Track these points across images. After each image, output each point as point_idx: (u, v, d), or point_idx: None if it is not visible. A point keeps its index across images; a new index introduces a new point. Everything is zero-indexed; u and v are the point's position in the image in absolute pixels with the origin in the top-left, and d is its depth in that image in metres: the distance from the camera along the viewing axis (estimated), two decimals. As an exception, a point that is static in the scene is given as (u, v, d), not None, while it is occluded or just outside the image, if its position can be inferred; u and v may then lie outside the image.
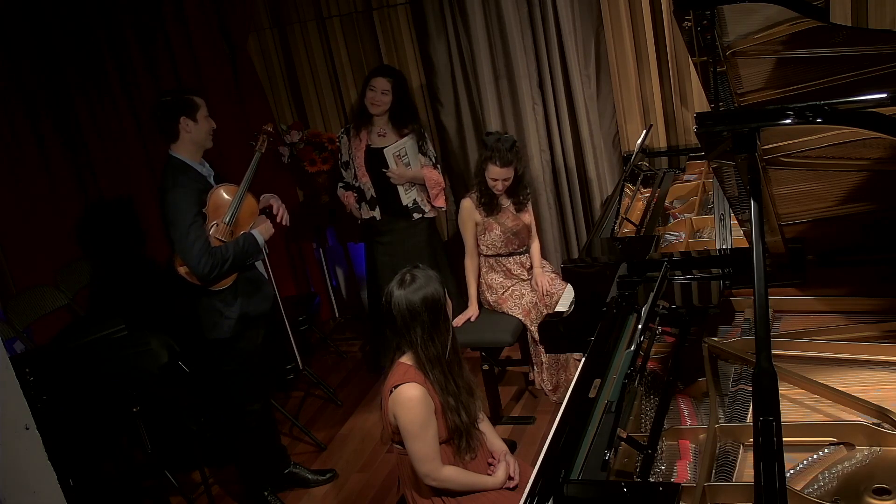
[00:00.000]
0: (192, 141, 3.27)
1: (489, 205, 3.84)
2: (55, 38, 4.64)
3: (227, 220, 3.26)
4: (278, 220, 3.49)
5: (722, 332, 2.48)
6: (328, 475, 3.84)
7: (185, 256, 3.17)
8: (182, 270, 3.22)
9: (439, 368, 2.44)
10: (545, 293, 3.86)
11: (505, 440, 2.76)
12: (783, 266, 2.55)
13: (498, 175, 3.75)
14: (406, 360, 2.48)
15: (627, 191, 3.83)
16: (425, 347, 2.43)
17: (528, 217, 3.93)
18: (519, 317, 3.86)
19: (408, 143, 4.21)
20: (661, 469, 1.94)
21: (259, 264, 3.49)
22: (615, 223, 3.39)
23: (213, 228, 3.25)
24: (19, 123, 4.48)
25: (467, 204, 3.89)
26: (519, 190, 3.86)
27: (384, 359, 4.43)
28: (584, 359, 2.46)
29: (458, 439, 2.49)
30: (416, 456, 2.43)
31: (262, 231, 3.36)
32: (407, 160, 4.21)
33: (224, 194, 3.29)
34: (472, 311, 3.96)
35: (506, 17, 4.30)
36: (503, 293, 3.92)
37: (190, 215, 3.17)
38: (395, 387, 2.42)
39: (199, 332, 3.38)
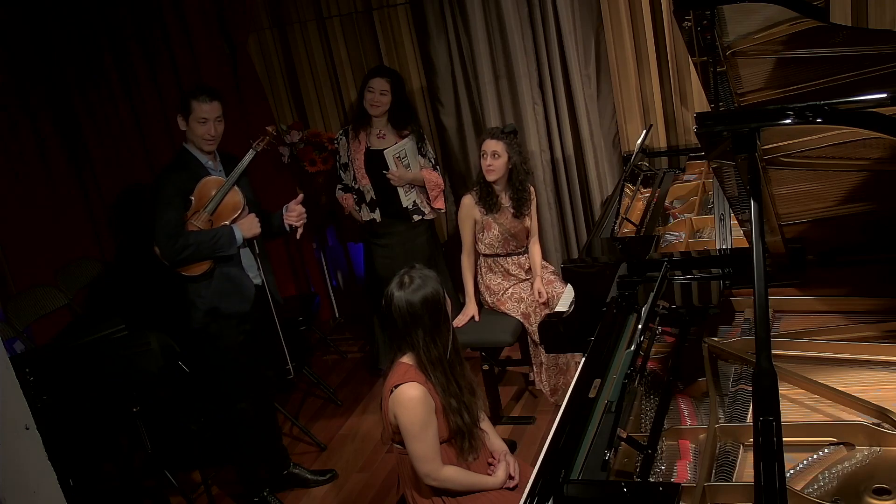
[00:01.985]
0: (189, 138, 3.34)
1: (488, 202, 3.83)
2: (55, 38, 4.64)
3: (209, 209, 3.29)
4: (297, 225, 3.52)
5: (722, 332, 2.48)
6: (328, 475, 3.84)
7: (155, 233, 3.25)
8: (157, 249, 3.29)
9: (441, 370, 2.45)
10: (540, 303, 3.86)
11: (505, 440, 2.76)
12: (783, 266, 2.55)
13: (488, 147, 3.75)
14: (406, 359, 2.48)
15: (627, 191, 3.83)
16: (427, 350, 2.43)
17: (528, 220, 3.93)
18: (518, 318, 3.86)
19: (407, 144, 4.21)
20: (661, 469, 1.94)
21: (251, 267, 3.46)
22: (615, 223, 3.39)
23: (194, 215, 3.29)
24: (19, 123, 4.48)
25: (467, 201, 3.90)
26: (518, 191, 3.84)
27: (384, 360, 4.48)
28: (583, 359, 2.47)
29: (461, 440, 2.49)
30: (417, 456, 2.43)
31: (243, 228, 3.35)
32: (406, 162, 4.21)
33: (211, 185, 3.33)
34: (472, 310, 3.96)
35: (506, 17, 4.30)
36: (502, 294, 3.92)
37: (167, 196, 3.25)
38: (396, 386, 2.42)
39: (180, 319, 3.43)
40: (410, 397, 2.40)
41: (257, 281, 3.49)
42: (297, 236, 3.59)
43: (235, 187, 3.36)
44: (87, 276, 4.62)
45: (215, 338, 3.40)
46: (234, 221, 3.35)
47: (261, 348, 3.58)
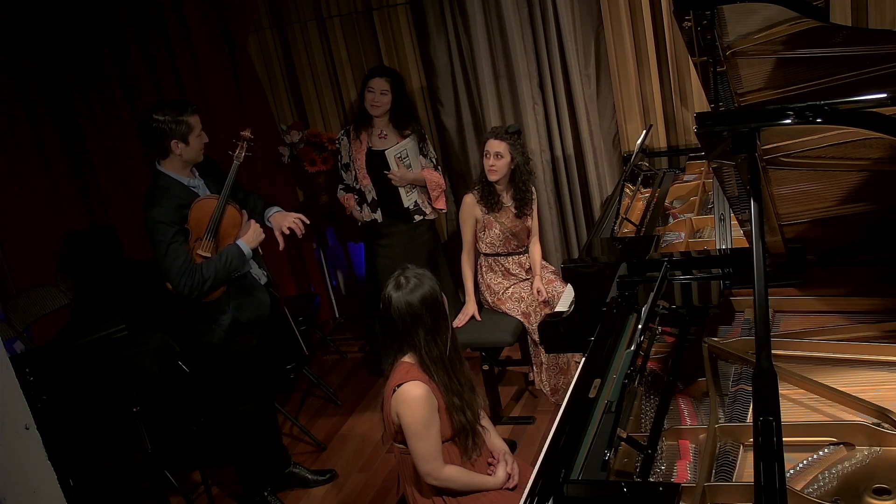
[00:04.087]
0: (181, 160, 3.21)
1: (490, 202, 3.84)
2: (55, 38, 4.64)
3: (209, 235, 3.19)
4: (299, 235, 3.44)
5: (722, 332, 2.48)
6: (328, 475, 3.84)
7: (166, 275, 3.14)
8: (169, 286, 3.19)
9: (443, 368, 2.45)
10: (539, 302, 3.86)
11: (505, 440, 2.76)
12: (783, 266, 2.55)
13: (491, 147, 3.75)
14: (408, 359, 2.48)
15: (627, 191, 3.83)
16: (428, 349, 2.43)
17: (529, 220, 3.93)
18: (518, 318, 3.86)
19: (409, 144, 4.21)
20: (661, 469, 1.94)
21: (256, 270, 3.42)
22: (615, 223, 3.39)
23: (196, 244, 3.18)
24: (19, 123, 4.48)
25: (469, 200, 3.90)
26: (520, 191, 3.83)
27: (384, 361, 4.48)
28: (584, 359, 2.47)
29: (465, 438, 2.50)
30: (419, 454, 2.43)
31: (248, 240, 3.27)
32: (408, 162, 4.21)
33: (204, 208, 3.20)
34: (472, 309, 3.95)
35: (506, 17, 4.30)
36: (502, 293, 3.92)
37: (168, 234, 3.11)
38: (399, 385, 2.42)
39: (194, 335, 3.37)
40: (414, 396, 2.40)
41: (263, 280, 3.46)
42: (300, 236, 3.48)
43: (230, 202, 3.25)
44: (87, 277, 4.62)
45: (231, 344, 3.36)
46: (237, 236, 3.27)
47: (268, 348, 3.56)
